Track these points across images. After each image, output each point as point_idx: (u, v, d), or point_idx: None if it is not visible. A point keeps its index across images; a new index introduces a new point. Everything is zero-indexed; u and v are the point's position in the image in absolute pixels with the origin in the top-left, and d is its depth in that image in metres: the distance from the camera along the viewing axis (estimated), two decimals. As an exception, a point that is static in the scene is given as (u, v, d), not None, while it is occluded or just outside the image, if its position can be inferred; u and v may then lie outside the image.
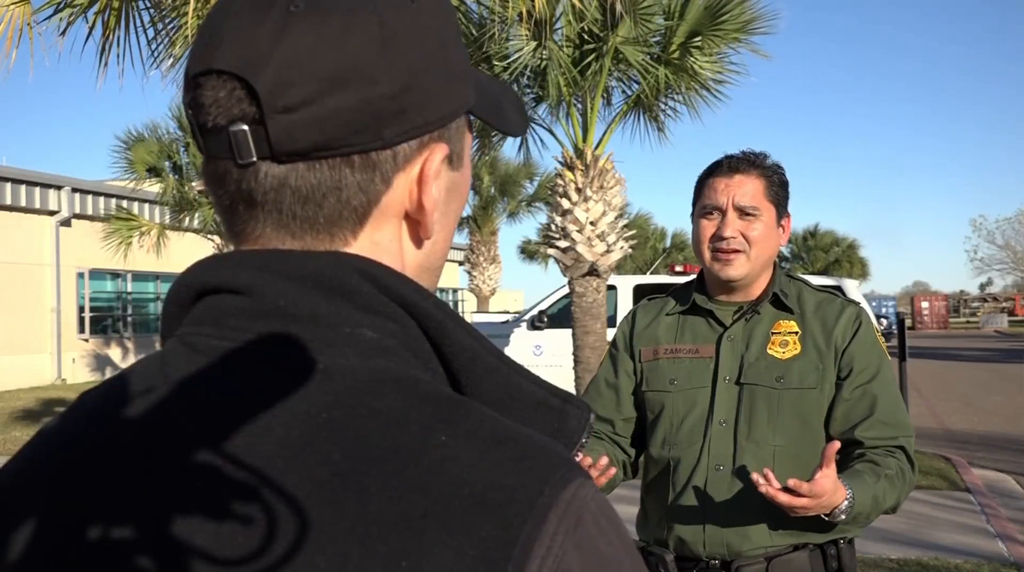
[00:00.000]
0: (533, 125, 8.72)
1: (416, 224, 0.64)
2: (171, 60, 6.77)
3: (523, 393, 0.60)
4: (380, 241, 0.62)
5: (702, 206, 2.02)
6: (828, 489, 1.68)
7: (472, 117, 0.68)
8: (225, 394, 0.57)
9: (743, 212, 1.97)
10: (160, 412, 0.58)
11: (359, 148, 0.59)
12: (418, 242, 0.65)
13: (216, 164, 0.60)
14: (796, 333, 1.98)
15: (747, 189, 1.97)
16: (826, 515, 1.75)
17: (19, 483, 0.61)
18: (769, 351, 1.96)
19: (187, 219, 15.37)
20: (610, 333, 8.35)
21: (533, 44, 7.72)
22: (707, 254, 2.00)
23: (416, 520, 0.50)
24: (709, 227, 2.00)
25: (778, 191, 2.01)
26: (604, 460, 1.83)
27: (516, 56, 7.83)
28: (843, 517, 1.76)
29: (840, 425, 1.93)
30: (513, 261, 47.47)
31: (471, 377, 0.60)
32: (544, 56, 7.86)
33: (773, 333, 1.99)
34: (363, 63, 0.58)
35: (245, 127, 0.57)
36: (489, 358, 0.60)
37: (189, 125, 0.61)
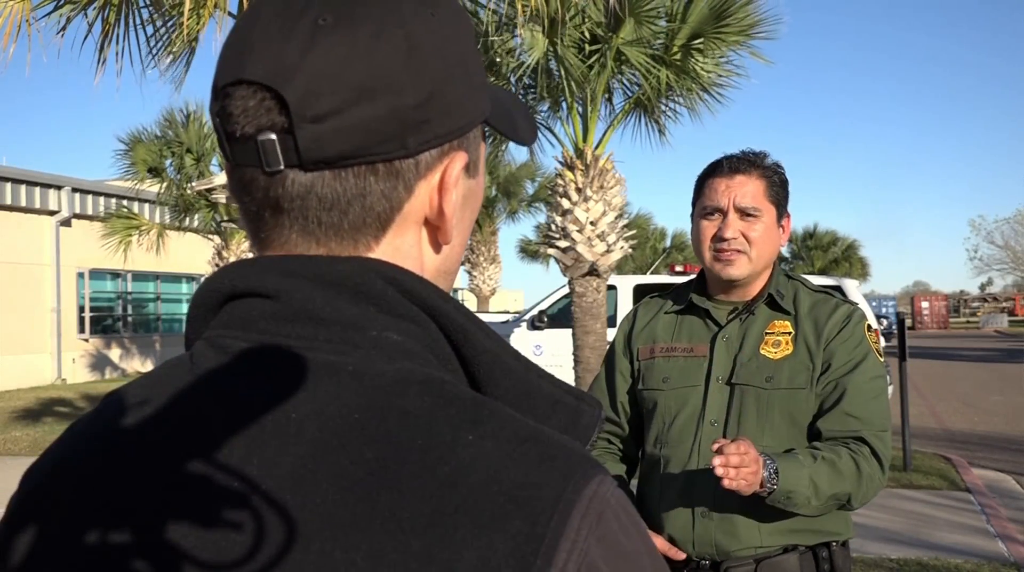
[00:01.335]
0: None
1: (435, 230, 0.65)
2: (170, 58, 6.76)
3: (540, 392, 0.62)
4: (401, 246, 0.64)
5: (703, 207, 2.03)
6: (750, 455, 1.70)
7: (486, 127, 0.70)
8: (256, 395, 0.58)
9: (744, 213, 1.98)
10: (191, 413, 0.60)
11: (384, 157, 0.60)
12: (437, 247, 0.67)
13: (243, 172, 0.62)
14: (789, 333, 1.98)
15: (748, 190, 1.99)
16: (761, 493, 1.75)
17: (50, 482, 0.62)
18: (762, 351, 1.97)
19: (187, 219, 15.37)
20: (610, 333, 8.36)
21: (543, 44, 7.71)
22: (708, 254, 2.02)
23: (448, 516, 0.52)
24: (710, 228, 2.01)
25: (778, 191, 2.03)
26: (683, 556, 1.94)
27: (523, 56, 7.82)
28: (775, 488, 1.74)
29: (815, 419, 1.92)
30: (513, 261, 47.41)
31: (490, 378, 0.61)
32: (550, 55, 7.85)
33: (767, 333, 1.99)
34: (390, 74, 0.59)
35: (273, 136, 0.59)
36: (507, 359, 0.62)
37: (216, 134, 0.63)
